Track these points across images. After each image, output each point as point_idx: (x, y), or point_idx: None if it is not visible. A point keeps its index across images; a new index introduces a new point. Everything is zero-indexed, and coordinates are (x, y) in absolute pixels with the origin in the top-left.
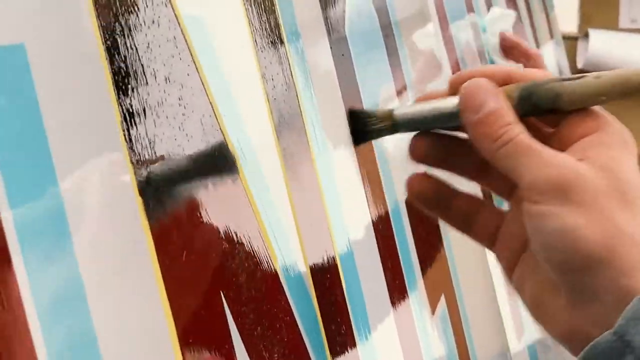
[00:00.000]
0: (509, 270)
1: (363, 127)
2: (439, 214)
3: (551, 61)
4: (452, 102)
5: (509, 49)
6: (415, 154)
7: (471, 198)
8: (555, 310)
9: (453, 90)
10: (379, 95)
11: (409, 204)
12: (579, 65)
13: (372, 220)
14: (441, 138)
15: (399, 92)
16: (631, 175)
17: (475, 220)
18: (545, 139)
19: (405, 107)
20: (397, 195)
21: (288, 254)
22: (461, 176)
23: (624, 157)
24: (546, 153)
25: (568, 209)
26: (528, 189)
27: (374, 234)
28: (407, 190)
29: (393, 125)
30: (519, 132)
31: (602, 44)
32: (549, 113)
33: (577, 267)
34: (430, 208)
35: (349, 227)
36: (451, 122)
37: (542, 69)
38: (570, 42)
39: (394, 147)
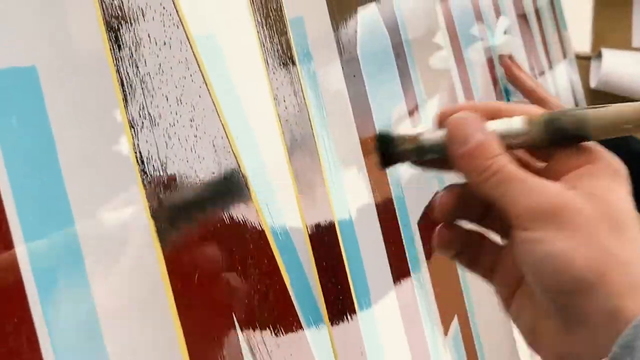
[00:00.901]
0: (507, 301)
1: (391, 150)
2: (455, 258)
3: (564, 81)
4: (441, 133)
5: (509, 77)
6: (440, 214)
7: (476, 236)
8: (548, 336)
9: (440, 124)
10: (391, 115)
11: (422, 226)
12: (592, 85)
13: (384, 242)
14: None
15: (411, 112)
16: (621, 202)
17: (477, 256)
18: (536, 173)
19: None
20: (409, 217)
21: (301, 277)
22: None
23: (614, 185)
24: (535, 181)
25: (558, 234)
26: (518, 217)
27: (386, 254)
28: (436, 242)
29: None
30: (506, 163)
31: (615, 64)
32: (572, 140)
33: (568, 290)
34: (453, 255)
35: (362, 249)
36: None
37: (543, 100)
38: (583, 62)
39: (407, 172)
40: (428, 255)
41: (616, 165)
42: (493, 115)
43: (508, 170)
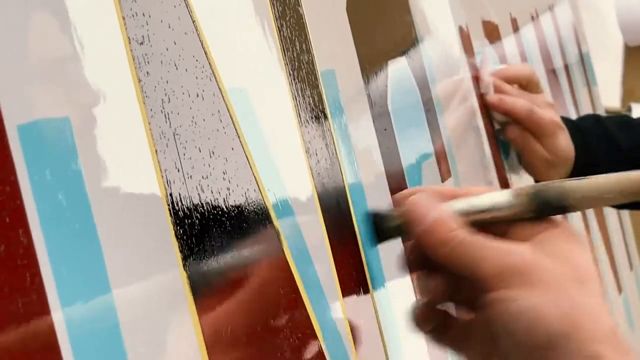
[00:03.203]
0: None
1: (384, 226)
2: (428, 333)
3: None
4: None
5: (503, 112)
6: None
7: (449, 315)
8: None
9: (397, 206)
10: (421, 169)
11: None
12: None
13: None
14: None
15: (440, 167)
16: (583, 262)
17: (445, 332)
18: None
19: None
20: None
21: (333, 330)
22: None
23: (574, 247)
24: (500, 244)
25: (529, 291)
26: (488, 278)
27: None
28: (414, 318)
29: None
30: (467, 234)
31: None
32: (554, 212)
33: (542, 344)
34: (427, 331)
35: (392, 303)
36: None
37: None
38: None
39: None
40: None
41: (573, 230)
42: (447, 197)
43: (471, 239)
